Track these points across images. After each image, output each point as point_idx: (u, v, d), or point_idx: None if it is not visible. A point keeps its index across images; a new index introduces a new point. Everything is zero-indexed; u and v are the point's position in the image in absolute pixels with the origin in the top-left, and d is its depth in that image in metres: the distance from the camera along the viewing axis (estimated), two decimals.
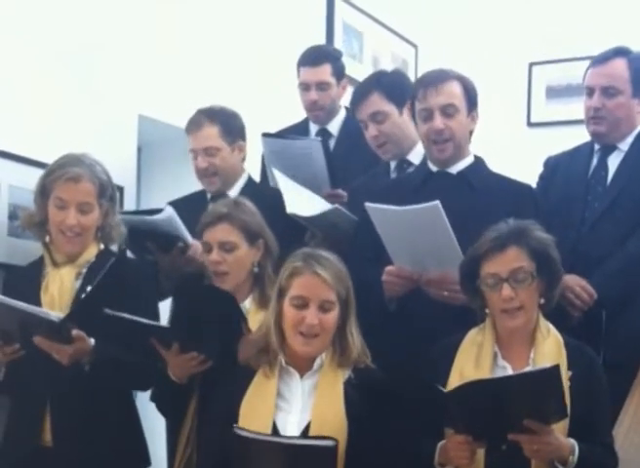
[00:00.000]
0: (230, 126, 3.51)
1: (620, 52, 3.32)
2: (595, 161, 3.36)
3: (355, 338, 2.65)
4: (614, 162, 3.32)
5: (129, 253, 3.11)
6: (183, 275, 3.24)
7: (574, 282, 3.02)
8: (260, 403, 2.60)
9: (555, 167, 3.47)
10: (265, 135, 3.66)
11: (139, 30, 3.87)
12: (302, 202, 3.34)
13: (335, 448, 2.38)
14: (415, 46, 5.87)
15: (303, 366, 2.65)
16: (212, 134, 3.47)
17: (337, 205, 3.35)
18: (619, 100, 3.27)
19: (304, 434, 2.52)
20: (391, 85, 3.45)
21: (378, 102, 3.44)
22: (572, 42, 5.34)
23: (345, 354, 2.64)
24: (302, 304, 2.61)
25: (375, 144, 3.49)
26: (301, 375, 2.64)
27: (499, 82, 5.39)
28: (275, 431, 2.55)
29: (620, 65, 3.29)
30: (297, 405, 2.60)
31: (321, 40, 4.78)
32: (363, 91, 3.51)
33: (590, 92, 3.32)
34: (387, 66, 4.76)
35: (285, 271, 2.68)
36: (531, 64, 5.83)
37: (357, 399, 2.57)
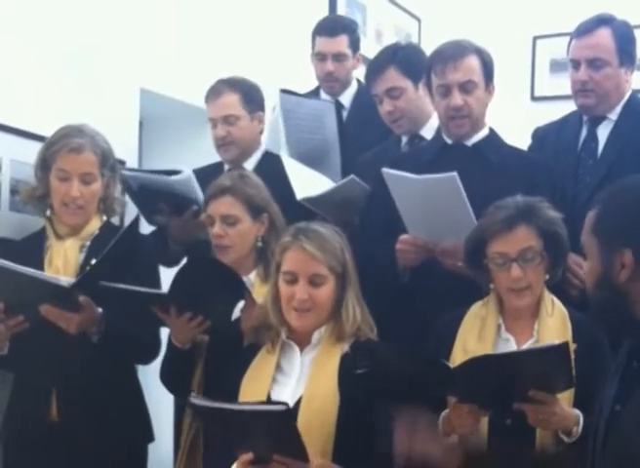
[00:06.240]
0: (251, 95, 3.48)
1: (603, 21, 3.24)
2: (585, 132, 3.30)
3: (352, 311, 2.61)
4: (603, 132, 3.26)
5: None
6: (195, 243, 3.20)
7: (570, 260, 2.94)
8: (258, 377, 2.60)
9: (544, 139, 3.42)
10: (283, 90, 3.61)
11: (141, 3, 3.84)
12: (312, 183, 3.31)
13: (288, 412, 2.31)
14: (418, 19, 5.83)
15: (304, 340, 2.64)
16: (232, 101, 3.44)
17: (352, 176, 3.28)
18: (606, 72, 3.20)
19: (296, 407, 2.49)
20: (407, 60, 3.39)
21: (394, 78, 3.38)
22: (576, 15, 5.27)
23: (344, 327, 2.61)
24: (292, 279, 2.59)
25: (389, 120, 3.45)
26: (302, 350, 2.63)
27: (502, 55, 5.27)
28: None
29: (604, 35, 3.21)
30: (294, 378, 2.59)
31: (324, 13, 4.74)
32: (379, 65, 3.43)
33: (576, 65, 3.24)
34: (391, 40, 4.72)
35: (278, 247, 2.68)
36: (535, 38, 5.81)
37: (354, 373, 2.52)
